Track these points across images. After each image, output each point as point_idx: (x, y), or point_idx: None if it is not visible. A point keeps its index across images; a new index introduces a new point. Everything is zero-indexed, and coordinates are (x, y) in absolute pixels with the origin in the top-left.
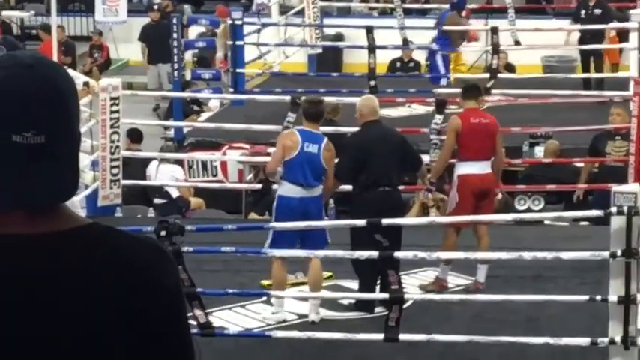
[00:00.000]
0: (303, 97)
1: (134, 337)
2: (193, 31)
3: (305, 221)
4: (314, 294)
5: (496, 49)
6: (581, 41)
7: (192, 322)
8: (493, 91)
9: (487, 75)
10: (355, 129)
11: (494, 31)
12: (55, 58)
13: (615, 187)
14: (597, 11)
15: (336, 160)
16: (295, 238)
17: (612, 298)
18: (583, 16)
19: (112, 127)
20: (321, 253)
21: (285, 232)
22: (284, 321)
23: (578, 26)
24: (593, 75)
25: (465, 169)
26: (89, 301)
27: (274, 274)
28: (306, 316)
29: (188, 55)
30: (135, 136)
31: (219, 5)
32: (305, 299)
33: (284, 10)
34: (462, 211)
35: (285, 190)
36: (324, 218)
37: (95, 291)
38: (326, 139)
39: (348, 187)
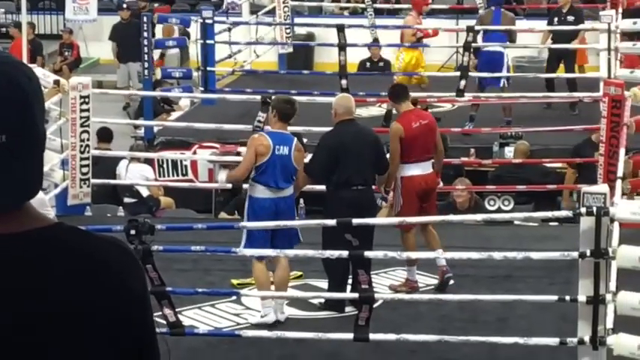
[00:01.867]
0: (276, 96)
1: (102, 340)
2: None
3: (277, 220)
4: (288, 294)
5: (467, 47)
6: (553, 42)
7: (162, 321)
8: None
9: (457, 74)
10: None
11: (470, 29)
12: (24, 56)
13: (585, 188)
14: (570, 18)
15: (309, 158)
16: (268, 237)
17: (581, 298)
18: (556, 24)
19: (81, 125)
20: (291, 252)
21: (259, 232)
22: (275, 323)
23: (550, 27)
24: (563, 75)
25: (408, 170)
26: (58, 304)
27: (256, 277)
28: (276, 322)
29: (157, 54)
30: (104, 136)
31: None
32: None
33: (255, 9)
34: (408, 213)
35: (257, 191)
36: (296, 217)
37: (64, 293)
38: (295, 139)
39: (319, 187)
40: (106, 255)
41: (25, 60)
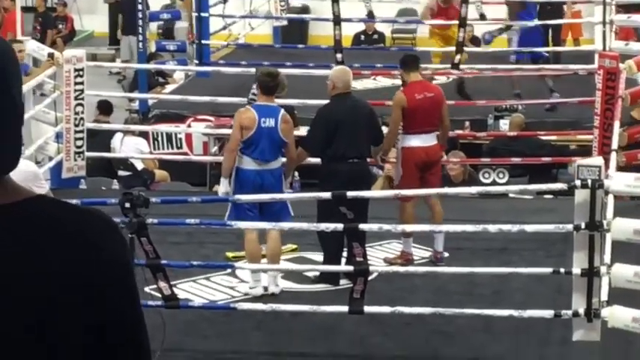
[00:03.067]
0: (259, 69)
1: (87, 311)
2: (158, 3)
3: (262, 193)
4: (281, 267)
5: (463, 22)
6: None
7: (157, 294)
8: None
9: (453, 48)
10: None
11: (465, 2)
12: (18, 28)
13: (580, 160)
14: None
15: (306, 132)
16: (254, 210)
17: (576, 270)
18: None
19: (76, 98)
20: (287, 225)
21: (244, 205)
22: (262, 296)
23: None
24: (558, 49)
25: (408, 141)
26: (41, 276)
27: (247, 249)
28: (265, 290)
29: (153, 27)
30: (104, 108)
31: None
32: (266, 271)
33: None
34: (408, 183)
35: (243, 162)
36: (284, 189)
37: (45, 265)
38: (282, 111)
39: (314, 160)
40: (80, 223)
41: (18, 32)
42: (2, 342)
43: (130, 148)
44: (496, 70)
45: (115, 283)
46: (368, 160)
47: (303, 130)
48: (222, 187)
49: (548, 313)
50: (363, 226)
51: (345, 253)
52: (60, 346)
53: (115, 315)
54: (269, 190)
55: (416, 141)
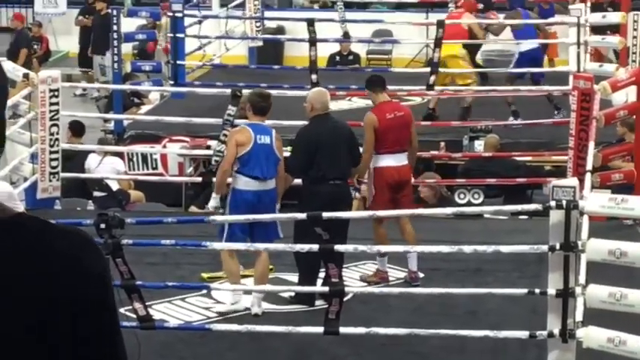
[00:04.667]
0: (250, 90)
1: (61, 324)
2: (134, 23)
3: (259, 214)
4: (258, 287)
5: (438, 43)
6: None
7: (132, 315)
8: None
9: (428, 69)
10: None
11: (440, 24)
12: None
13: (554, 181)
14: None
15: (287, 154)
16: (245, 232)
17: (551, 291)
18: None
19: (51, 119)
20: (262, 246)
21: (238, 225)
22: (245, 309)
23: (520, 21)
24: (533, 70)
25: (380, 161)
26: (20, 289)
27: (226, 268)
28: (246, 309)
29: (128, 47)
30: (76, 130)
31: None
32: (247, 292)
33: (225, 2)
34: (380, 203)
35: (241, 183)
36: (277, 211)
37: (25, 278)
38: (274, 130)
39: (295, 182)
40: (58, 239)
41: None
42: (3, 343)
43: (106, 167)
44: (471, 90)
45: (92, 296)
46: (349, 181)
47: None
48: (213, 202)
49: (523, 334)
50: (338, 247)
51: (322, 274)
52: (61, 347)
53: (89, 326)
54: (264, 211)
55: (388, 161)
